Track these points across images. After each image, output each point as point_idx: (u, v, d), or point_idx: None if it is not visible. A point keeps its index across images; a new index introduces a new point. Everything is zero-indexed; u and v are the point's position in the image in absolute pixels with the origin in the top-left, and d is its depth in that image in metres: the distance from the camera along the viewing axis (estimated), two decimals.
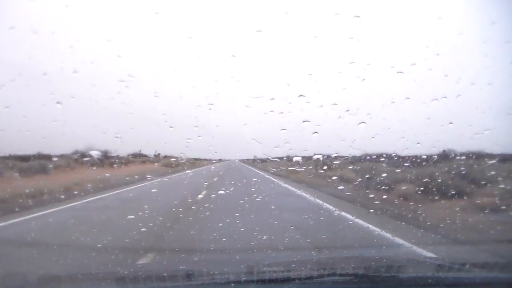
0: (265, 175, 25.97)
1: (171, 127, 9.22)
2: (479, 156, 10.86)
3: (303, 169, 16.85)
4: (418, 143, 7.77)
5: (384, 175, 11.44)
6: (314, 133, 6.84)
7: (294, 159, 11.28)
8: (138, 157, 27.41)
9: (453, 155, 11.84)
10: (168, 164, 24.58)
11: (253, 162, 38.42)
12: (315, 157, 10.07)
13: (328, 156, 9.94)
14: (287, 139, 8.11)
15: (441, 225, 6.74)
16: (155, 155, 28.03)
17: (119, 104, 8.59)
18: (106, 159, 16.19)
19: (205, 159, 33.19)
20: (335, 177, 14.17)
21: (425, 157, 10.61)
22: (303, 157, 11.58)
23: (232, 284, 2.43)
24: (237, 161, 51.69)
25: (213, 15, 19.91)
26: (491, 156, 10.09)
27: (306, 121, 7.02)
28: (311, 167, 16.09)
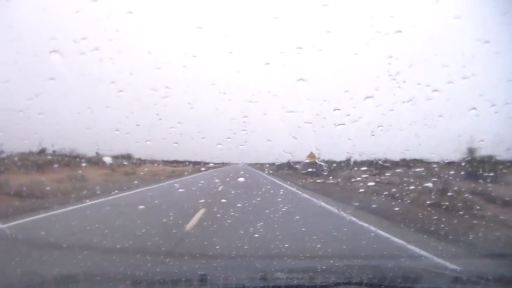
0: None
1: (203, 138, 9.67)
2: None
3: None
4: (447, 160, 7.95)
5: None
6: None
7: None
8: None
9: None
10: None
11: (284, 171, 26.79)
12: None
13: None
14: (319, 151, 8.37)
15: None
16: (97, 153, 18.83)
17: (153, 115, 8.96)
18: None
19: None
20: None
21: None
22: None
23: None
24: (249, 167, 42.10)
25: (254, 31, 20.44)
26: None
27: (341, 124, 7.32)
28: None
